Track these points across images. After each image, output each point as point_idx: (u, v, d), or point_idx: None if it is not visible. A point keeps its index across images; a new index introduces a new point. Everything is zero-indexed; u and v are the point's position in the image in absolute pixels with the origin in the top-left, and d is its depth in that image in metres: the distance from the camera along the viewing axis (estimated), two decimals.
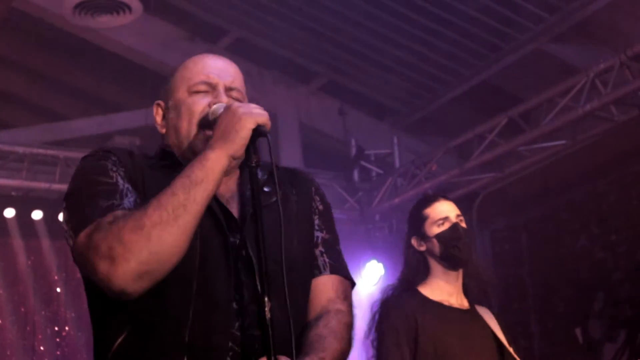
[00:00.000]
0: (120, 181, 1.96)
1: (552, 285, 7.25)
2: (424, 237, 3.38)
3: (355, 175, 7.84)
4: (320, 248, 2.14)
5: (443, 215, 3.37)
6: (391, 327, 3.25)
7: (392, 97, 7.78)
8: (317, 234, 2.16)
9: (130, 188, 1.96)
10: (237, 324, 1.91)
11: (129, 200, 1.92)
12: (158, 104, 2.17)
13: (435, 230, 3.35)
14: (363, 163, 7.85)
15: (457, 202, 3.54)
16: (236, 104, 1.99)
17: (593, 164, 6.66)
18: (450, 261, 3.35)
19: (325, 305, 2.07)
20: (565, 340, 7.04)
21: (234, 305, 1.92)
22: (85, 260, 1.85)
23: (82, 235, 1.86)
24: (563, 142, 6.36)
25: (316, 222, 2.17)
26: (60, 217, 6.99)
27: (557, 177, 6.90)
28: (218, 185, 1.90)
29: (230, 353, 1.89)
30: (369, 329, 3.33)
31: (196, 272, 1.91)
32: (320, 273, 2.11)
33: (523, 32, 6.60)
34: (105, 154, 2.02)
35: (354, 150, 7.82)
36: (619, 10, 6.14)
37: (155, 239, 1.79)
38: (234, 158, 1.91)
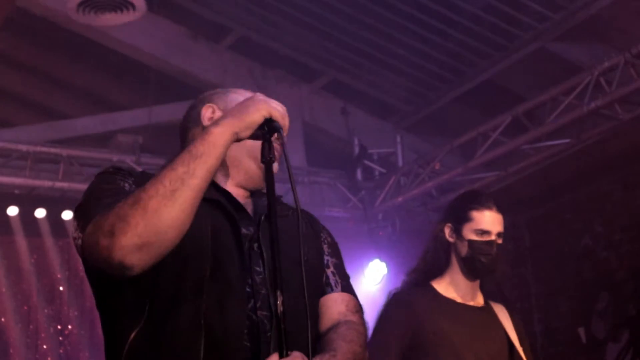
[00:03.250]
0: (127, 186, 2.01)
1: (555, 285, 7.24)
2: (458, 232, 3.35)
3: (358, 174, 7.82)
4: (332, 269, 2.23)
5: (486, 228, 3.31)
6: (388, 320, 3.26)
7: (395, 96, 7.76)
8: (328, 258, 2.24)
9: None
10: (249, 305, 1.96)
11: None
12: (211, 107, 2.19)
13: (472, 236, 3.31)
14: (366, 162, 7.83)
15: None
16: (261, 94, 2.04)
17: (597, 162, 6.64)
18: (470, 269, 3.34)
19: (337, 318, 2.14)
20: (569, 339, 7.03)
21: (247, 288, 1.97)
22: (91, 246, 1.87)
23: (89, 228, 1.88)
24: (567, 140, 6.34)
25: (326, 249, 2.25)
26: (65, 215, 6.91)
27: (561, 176, 6.88)
28: (219, 161, 1.91)
29: (245, 332, 1.93)
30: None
31: (209, 259, 1.95)
32: (332, 290, 2.19)
33: (527, 31, 6.58)
34: (115, 169, 2.08)
35: (357, 149, 7.80)
36: (624, 9, 6.12)
37: (151, 211, 1.81)
38: (237, 136, 1.93)
